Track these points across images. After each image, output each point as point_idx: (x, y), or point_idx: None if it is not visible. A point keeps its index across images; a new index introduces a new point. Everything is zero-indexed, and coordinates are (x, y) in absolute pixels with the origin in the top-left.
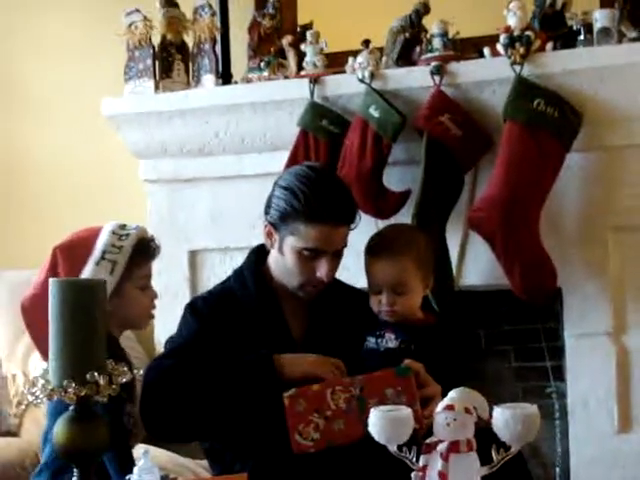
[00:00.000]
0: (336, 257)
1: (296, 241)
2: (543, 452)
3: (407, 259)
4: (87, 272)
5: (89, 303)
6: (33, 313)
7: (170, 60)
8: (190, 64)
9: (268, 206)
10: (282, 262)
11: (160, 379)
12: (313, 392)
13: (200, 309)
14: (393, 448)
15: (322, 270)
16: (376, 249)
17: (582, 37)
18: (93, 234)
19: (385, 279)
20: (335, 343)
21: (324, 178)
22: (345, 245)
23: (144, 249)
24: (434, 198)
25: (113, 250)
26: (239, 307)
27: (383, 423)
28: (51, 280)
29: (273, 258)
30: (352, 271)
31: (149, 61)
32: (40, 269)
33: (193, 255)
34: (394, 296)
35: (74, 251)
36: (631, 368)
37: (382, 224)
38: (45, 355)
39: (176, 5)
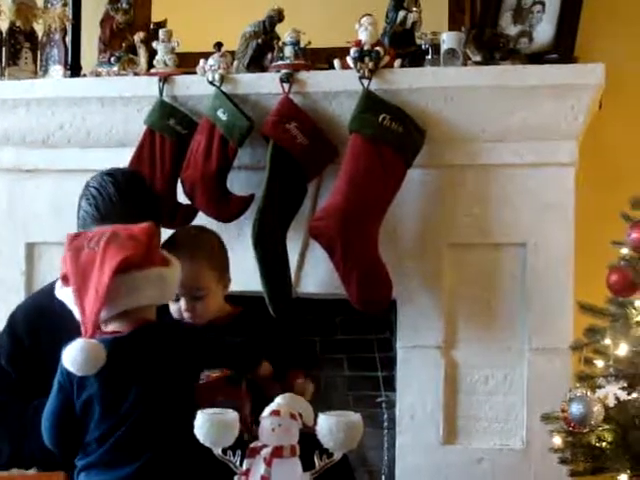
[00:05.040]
0: None
1: None
2: (371, 460)
3: (200, 262)
4: None
5: None
6: None
7: (18, 47)
8: (39, 53)
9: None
10: None
11: None
12: None
13: (18, 326)
14: (217, 451)
15: None
16: None
17: (430, 57)
18: None
19: (181, 285)
20: None
21: (115, 180)
22: None
23: None
24: (277, 205)
25: None
26: (61, 314)
27: (208, 426)
28: None
29: None
30: None
31: None
32: None
33: (31, 248)
34: (192, 301)
35: None
36: (458, 382)
37: (224, 227)
38: None
39: None
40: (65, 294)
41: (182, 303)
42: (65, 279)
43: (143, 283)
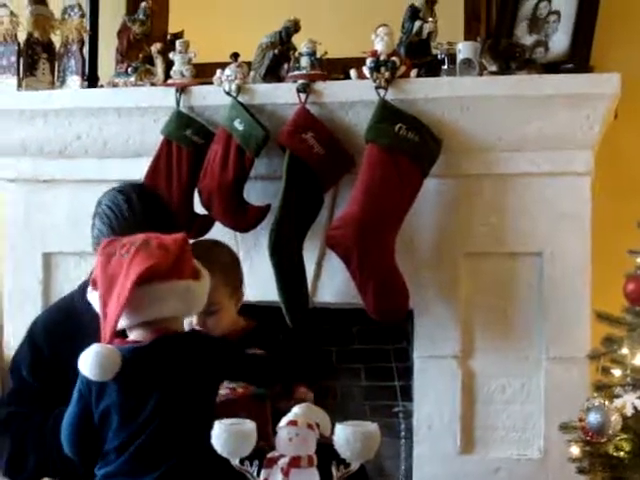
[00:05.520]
0: None
1: None
2: (388, 470)
3: (212, 276)
4: None
5: None
6: None
7: (35, 58)
8: (56, 64)
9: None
10: None
11: None
12: None
13: (37, 336)
14: (235, 461)
15: None
16: None
17: (446, 67)
18: None
19: None
20: None
21: (127, 197)
22: None
23: None
24: (293, 214)
25: None
26: (79, 324)
27: (226, 436)
28: None
29: None
30: None
31: (13, 58)
32: None
33: (47, 258)
34: (204, 317)
35: None
36: (476, 391)
37: (241, 237)
38: None
39: (45, 3)
40: (93, 298)
41: (194, 318)
42: (95, 283)
43: (167, 294)
